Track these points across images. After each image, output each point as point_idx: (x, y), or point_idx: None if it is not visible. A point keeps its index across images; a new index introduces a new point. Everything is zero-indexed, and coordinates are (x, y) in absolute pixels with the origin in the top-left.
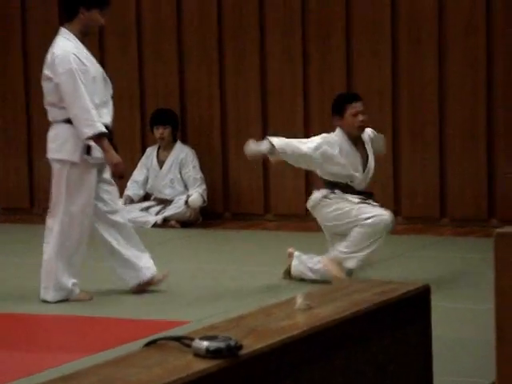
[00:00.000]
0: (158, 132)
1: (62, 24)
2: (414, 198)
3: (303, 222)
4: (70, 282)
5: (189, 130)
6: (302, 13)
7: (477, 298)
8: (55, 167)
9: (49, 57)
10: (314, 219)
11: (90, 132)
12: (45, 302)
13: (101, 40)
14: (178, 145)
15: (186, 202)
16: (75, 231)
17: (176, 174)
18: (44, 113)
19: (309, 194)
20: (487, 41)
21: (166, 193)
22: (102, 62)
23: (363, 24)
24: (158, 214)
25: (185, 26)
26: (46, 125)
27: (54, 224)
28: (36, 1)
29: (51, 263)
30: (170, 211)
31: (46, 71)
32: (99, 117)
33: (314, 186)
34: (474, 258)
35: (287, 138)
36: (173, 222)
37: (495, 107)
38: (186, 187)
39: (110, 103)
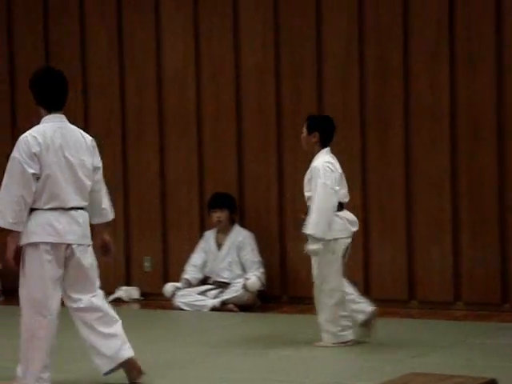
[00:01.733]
0: (216, 215)
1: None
2: (475, 283)
3: None
4: None
5: (247, 213)
6: (360, 100)
7: None
8: None
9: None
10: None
11: None
12: None
13: (160, 123)
14: (236, 228)
15: (244, 286)
16: None
17: (234, 257)
18: None
19: (364, 280)
20: None
21: (224, 276)
22: (161, 145)
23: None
24: (215, 297)
25: (244, 111)
26: None
27: None
28: None
29: None
30: (228, 294)
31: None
32: None
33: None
34: None
35: None
36: (231, 306)
37: None
38: (244, 270)
39: None
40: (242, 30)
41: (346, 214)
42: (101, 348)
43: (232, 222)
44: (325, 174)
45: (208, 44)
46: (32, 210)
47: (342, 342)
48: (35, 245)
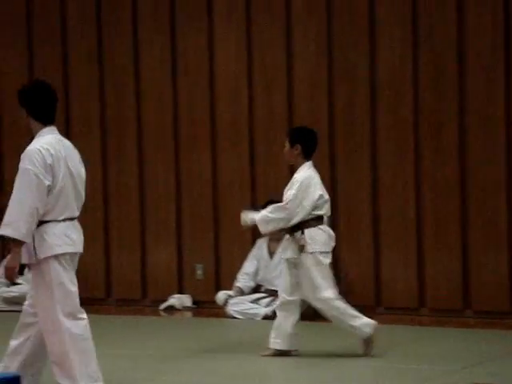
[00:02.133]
0: None
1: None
2: None
3: (415, 315)
4: None
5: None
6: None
7: None
8: None
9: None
10: (427, 313)
11: None
12: None
13: (212, 132)
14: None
15: None
16: None
17: None
18: None
19: (421, 287)
20: None
21: (277, 284)
22: (214, 153)
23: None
24: (268, 305)
25: (295, 119)
26: None
27: None
28: None
29: None
30: None
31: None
32: None
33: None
34: None
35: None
36: None
37: None
38: None
39: None
40: (294, 39)
41: (328, 229)
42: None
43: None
44: (300, 187)
45: (261, 54)
46: (44, 222)
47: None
48: (56, 256)
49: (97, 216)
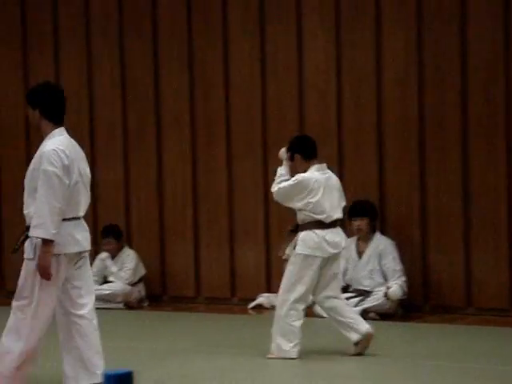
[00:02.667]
0: (356, 223)
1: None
2: None
3: (506, 315)
4: None
5: (388, 221)
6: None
7: None
8: None
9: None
10: None
11: None
12: None
13: (301, 131)
14: (377, 236)
15: (386, 294)
16: None
17: (375, 265)
18: None
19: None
20: None
21: (365, 284)
22: None
23: None
24: (357, 305)
25: (384, 121)
26: None
27: None
28: None
29: None
30: (369, 303)
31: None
32: None
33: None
34: None
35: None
36: (372, 314)
37: None
38: (385, 278)
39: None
40: (383, 39)
41: (327, 234)
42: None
43: (373, 230)
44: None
45: (349, 56)
46: None
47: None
48: (57, 255)
49: (186, 215)
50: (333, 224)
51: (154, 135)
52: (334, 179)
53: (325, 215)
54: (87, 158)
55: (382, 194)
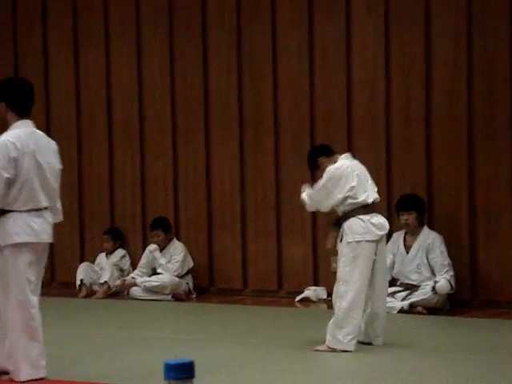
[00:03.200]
0: (403, 218)
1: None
2: None
3: None
4: None
5: (436, 216)
6: None
7: None
8: None
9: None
10: None
11: None
12: None
13: (348, 127)
14: (425, 230)
15: (433, 288)
16: None
17: (423, 260)
18: None
19: None
20: None
21: (413, 278)
22: (349, 147)
23: None
24: (404, 299)
25: (433, 117)
26: None
27: None
28: None
29: None
30: (416, 297)
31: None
32: None
33: None
34: None
35: None
36: (420, 308)
37: None
38: (433, 273)
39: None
40: (432, 28)
41: (372, 218)
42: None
43: (421, 224)
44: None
45: (398, 48)
46: (7, 211)
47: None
48: (17, 245)
49: (234, 208)
50: (374, 207)
51: (203, 130)
52: (362, 165)
53: (367, 194)
54: (137, 152)
55: (430, 188)
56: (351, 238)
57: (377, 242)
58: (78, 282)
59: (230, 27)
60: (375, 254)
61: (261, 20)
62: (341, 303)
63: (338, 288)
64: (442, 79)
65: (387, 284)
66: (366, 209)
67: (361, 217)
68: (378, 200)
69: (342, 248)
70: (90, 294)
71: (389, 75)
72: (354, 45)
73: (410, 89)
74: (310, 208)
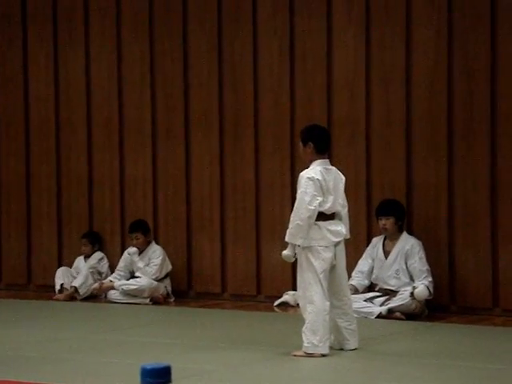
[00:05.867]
0: (381, 222)
1: None
2: None
3: None
4: None
5: (415, 221)
6: None
7: None
8: None
9: None
10: None
11: None
12: None
13: (329, 129)
14: (404, 235)
15: (412, 294)
16: None
17: (402, 265)
18: None
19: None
20: None
21: (391, 283)
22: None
23: None
24: (382, 304)
25: (413, 119)
26: None
27: None
28: None
29: None
30: (395, 303)
31: None
32: None
33: None
34: None
35: None
36: (398, 314)
37: None
38: (411, 279)
39: None
40: (413, 36)
41: (329, 225)
42: None
43: (400, 230)
44: (306, 183)
45: (378, 51)
46: None
47: (322, 354)
48: None
49: (213, 212)
50: (334, 216)
51: (182, 131)
52: (337, 174)
53: (328, 205)
54: (116, 155)
55: (409, 194)
56: (306, 244)
57: (334, 247)
58: (58, 287)
59: (211, 29)
60: (334, 259)
61: (241, 22)
62: (311, 307)
63: (305, 294)
64: (422, 82)
65: (347, 287)
66: (325, 217)
67: (318, 223)
68: (340, 212)
69: (299, 254)
70: (70, 298)
71: (369, 78)
72: (334, 47)
73: (390, 92)
74: (298, 230)
